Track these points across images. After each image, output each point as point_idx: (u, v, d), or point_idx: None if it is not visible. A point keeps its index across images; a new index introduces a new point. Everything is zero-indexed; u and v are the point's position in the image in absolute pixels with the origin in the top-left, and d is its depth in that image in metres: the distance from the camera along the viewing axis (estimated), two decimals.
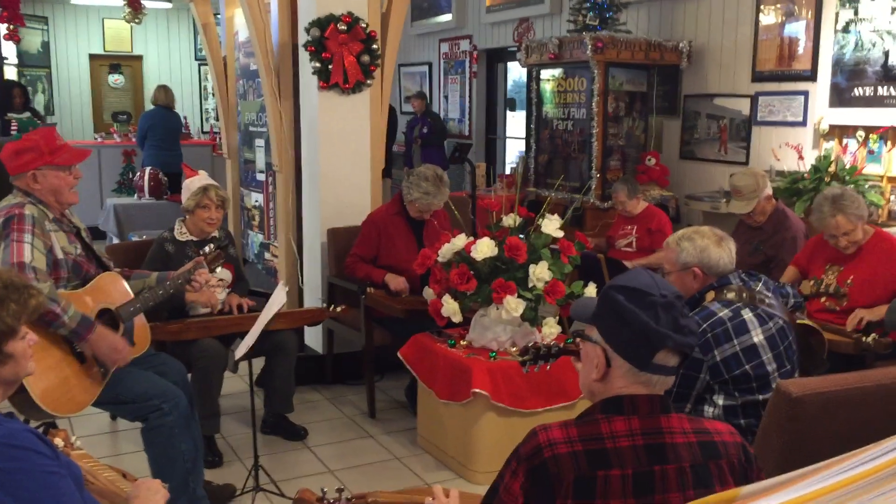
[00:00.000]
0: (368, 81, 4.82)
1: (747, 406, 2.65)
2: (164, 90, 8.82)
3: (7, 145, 3.08)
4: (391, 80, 5.12)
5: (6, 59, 9.32)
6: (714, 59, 6.74)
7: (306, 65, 4.74)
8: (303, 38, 4.71)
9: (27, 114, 8.30)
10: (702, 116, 6.89)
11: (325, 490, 2.15)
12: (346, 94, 4.78)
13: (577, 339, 1.75)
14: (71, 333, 2.78)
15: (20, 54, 10.19)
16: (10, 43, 9.32)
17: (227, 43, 6.30)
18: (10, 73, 9.58)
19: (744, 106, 6.46)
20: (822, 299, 3.85)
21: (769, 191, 4.47)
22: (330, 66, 4.68)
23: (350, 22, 4.68)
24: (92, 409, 3.18)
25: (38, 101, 10.88)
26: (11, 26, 9.01)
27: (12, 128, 8.02)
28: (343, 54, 4.70)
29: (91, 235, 3.30)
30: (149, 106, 12.35)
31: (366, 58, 4.77)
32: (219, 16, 6.65)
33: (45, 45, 11.27)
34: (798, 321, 3.24)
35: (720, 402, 2.69)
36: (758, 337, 2.67)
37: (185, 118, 11.68)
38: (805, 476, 1.04)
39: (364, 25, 4.74)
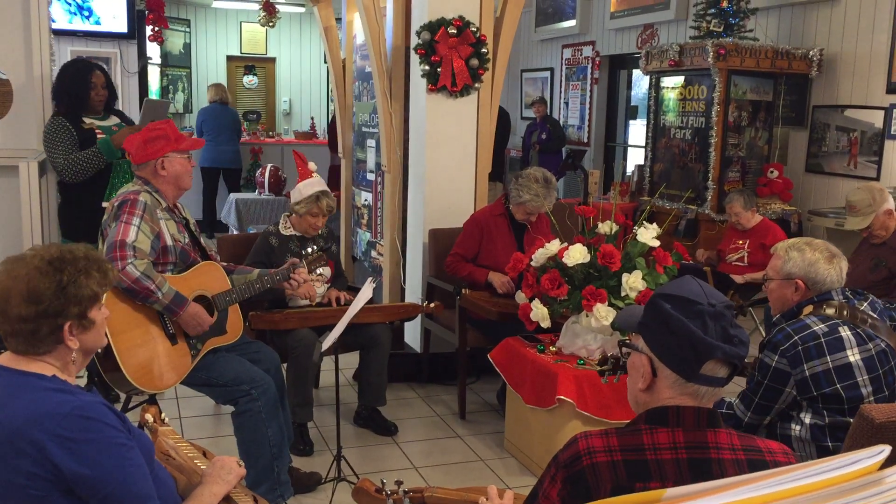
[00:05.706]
0: (476, 85, 4.85)
1: (836, 428, 2.51)
2: (215, 87, 9.28)
3: (132, 137, 3.27)
4: (502, 84, 5.13)
5: (150, 59, 9.83)
6: (847, 68, 6.40)
7: (417, 67, 4.82)
8: (415, 41, 4.80)
9: (114, 120, 4.60)
10: (831, 128, 6.56)
11: (385, 481, 2.20)
12: (454, 97, 4.83)
13: (623, 348, 1.70)
14: (165, 309, 2.97)
15: (164, 55, 10.76)
16: (155, 44, 9.80)
17: (346, 45, 6.49)
18: (154, 73, 10.12)
19: (877, 118, 6.11)
20: None
21: (889, 205, 4.23)
22: (439, 69, 4.74)
23: (460, 26, 4.73)
24: (198, 393, 3.35)
25: (178, 100, 11.43)
26: (156, 28, 9.48)
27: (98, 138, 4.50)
28: (452, 58, 4.75)
29: (199, 228, 3.49)
30: (280, 107, 12.91)
31: (475, 61, 4.80)
32: (341, 20, 6.85)
33: (187, 47, 11.87)
34: None
35: (807, 420, 2.56)
36: (854, 356, 2.53)
37: (311, 118, 12.07)
38: (740, 484, 0.98)
39: (474, 29, 4.77)
